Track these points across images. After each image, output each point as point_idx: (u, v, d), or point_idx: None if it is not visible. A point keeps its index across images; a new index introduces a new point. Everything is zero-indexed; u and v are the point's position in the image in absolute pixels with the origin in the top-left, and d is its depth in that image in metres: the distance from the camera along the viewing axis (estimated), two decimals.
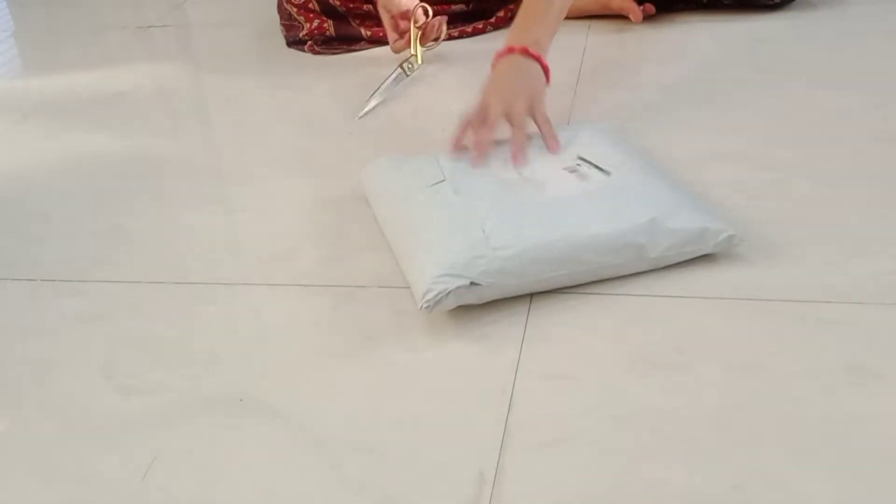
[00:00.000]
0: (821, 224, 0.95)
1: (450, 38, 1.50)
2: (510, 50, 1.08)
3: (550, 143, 1.01)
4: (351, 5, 1.52)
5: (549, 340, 0.82)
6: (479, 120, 1.03)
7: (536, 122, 1.04)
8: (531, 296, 0.88)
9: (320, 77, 1.44)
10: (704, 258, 0.91)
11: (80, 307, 0.94)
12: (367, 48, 1.51)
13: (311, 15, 1.53)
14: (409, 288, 0.90)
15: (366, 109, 1.29)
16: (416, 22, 1.37)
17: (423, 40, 1.39)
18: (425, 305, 0.83)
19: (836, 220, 0.95)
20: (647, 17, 1.49)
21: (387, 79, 1.34)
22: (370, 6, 1.51)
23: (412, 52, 1.38)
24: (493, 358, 0.81)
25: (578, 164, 0.97)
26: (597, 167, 0.96)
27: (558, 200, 0.92)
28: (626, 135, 1.07)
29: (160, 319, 0.91)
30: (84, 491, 0.72)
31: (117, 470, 0.73)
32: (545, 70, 1.09)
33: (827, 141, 1.11)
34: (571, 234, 0.87)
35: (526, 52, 1.07)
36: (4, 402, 0.82)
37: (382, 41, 1.51)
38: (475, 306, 0.87)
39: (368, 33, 1.51)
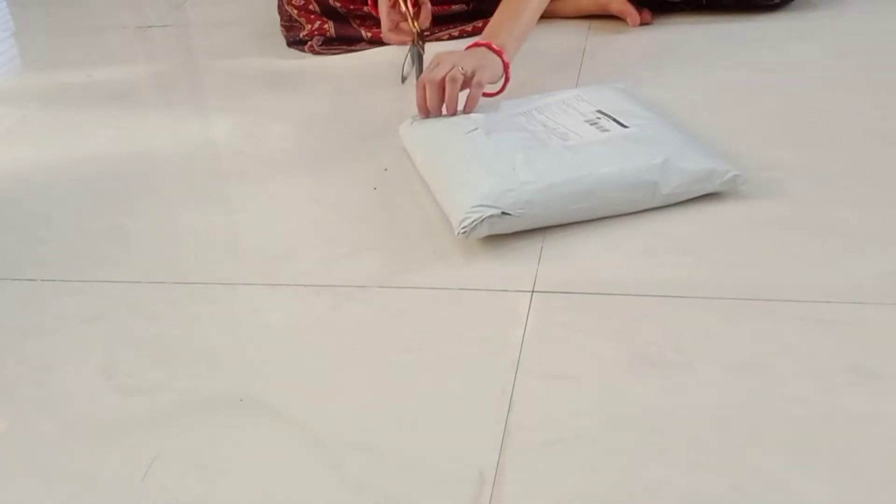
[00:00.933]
0: (821, 224, 0.95)
1: (450, 37, 1.51)
2: (476, 45, 1.17)
3: (469, 105, 1.11)
4: (351, 6, 1.52)
5: (549, 340, 0.82)
6: (430, 73, 1.12)
7: (470, 84, 1.11)
8: (531, 295, 0.88)
9: (320, 77, 1.44)
10: (704, 258, 0.91)
11: (80, 307, 0.94)
12: (367, 48, 1.52)
13: (312, 16, 1.53)
14: (409, 288, 0.91)
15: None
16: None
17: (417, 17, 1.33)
18: (461, 231, 0.93)
19: (836, 220, 0.95)
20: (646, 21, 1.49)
21: (413, 62, 1.29)
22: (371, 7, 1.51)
23: (414, 28, 1.30)
24: (493, 358, 0.81)
25: (598, 118, 1.07)
26: (615, 120, 1.06)
27: (580, 145, 1.02)
28: (639, 92, 1.17)
29: (160, 319, 0.91)
30: (84, 491, 0.72)
31: (117, 470, 0.73)
32: (505, 66, 1.16)
33: (827, 141, 1.11)
34: (592, 171, 0.96)
35: (489, 47, 1.16)
36: (4, 402, 0.82)
37: (382, 42, 1.51)
38: (476, 306, 0.87)
39: (369, 34, 1.51)
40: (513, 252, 0.95)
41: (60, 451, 0.76)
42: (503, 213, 0.93)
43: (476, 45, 1.17)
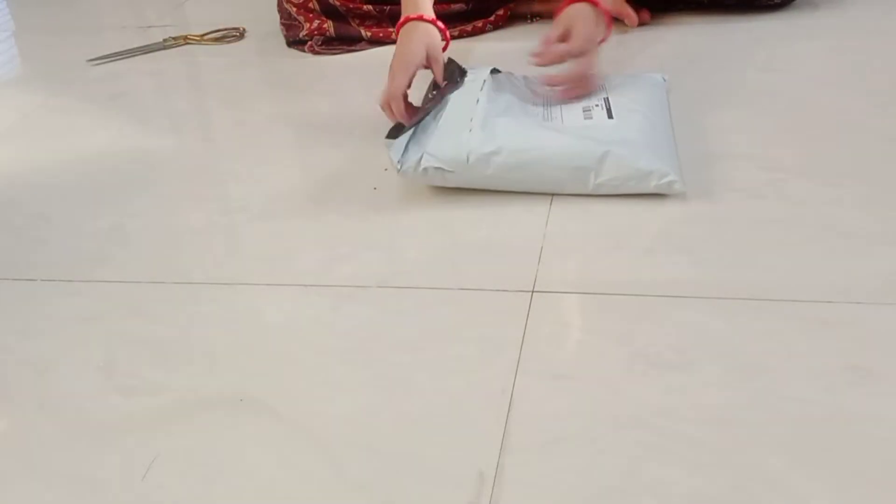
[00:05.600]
0: (821, 224, 0.95)
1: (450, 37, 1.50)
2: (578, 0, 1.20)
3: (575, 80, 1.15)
4: (351, 5, 1.52)
5: (549, 340, 0.82)
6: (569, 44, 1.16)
7: (582, 59, 1.15)
8: (531, 295, 0.88)
9: (320, 77, 1.44)
10: (705, 258, 0.91)
11: (80, 307, 0.94)
12: (368, 48, 1.52)
13: (311, 15, 1.53)
14: (409, 288, 0.90)
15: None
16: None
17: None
18: (397, 167, 1.04)
19: (837, 220, 0.95)
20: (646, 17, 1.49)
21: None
22: (370, 7, 1.51)
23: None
24: (493, 358, 0.81)
25: (597, 105, 1.11)
26: (608, 111, 1.09)
27: (546, 128, 1.06)
28: (668, 91, 1.20)
29: (160, 319, 0.91)
30: (84, 491, 0.72)
31: (117, 470, 0.73)
32: (609, 22, 1.21)
33: (827, 141, 1.11)
34: (533, 147, 1.02)
35: (596, 4, 1.19)
36: (4, 402, 0.82)
37: (382, 41, 1.51)
38: (476, 306, 0.87)
39: (368, 34, 1.51)
40: (513, 252, 0.95)
41: (60, 451, 0.76)
42: (438, 167, 1.02)
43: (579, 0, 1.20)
